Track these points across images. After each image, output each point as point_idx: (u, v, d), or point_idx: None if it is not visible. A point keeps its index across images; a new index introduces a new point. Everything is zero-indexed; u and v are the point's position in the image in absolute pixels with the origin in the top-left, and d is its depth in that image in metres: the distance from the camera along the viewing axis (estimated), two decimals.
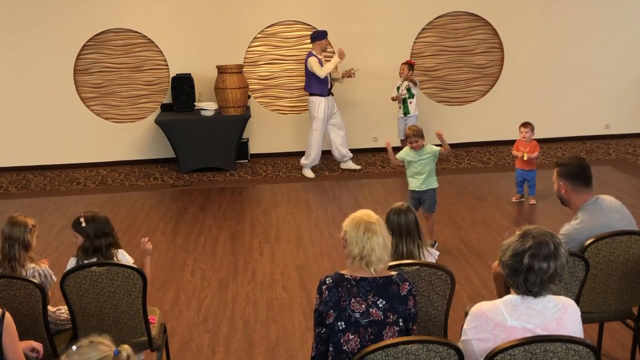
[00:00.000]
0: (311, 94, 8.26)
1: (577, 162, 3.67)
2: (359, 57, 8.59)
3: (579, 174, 3.64)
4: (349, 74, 8.31)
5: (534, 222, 6.39)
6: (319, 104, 8.19)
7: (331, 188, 7.95)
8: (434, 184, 5.68)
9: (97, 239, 3.53)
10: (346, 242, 2.77)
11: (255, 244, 6.18)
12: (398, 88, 8.44)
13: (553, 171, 3.77)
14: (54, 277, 3.67)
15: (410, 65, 8.42)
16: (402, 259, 3.40)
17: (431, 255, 3.64)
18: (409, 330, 2.75)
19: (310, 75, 8.15)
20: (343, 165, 8.72)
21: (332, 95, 8.33)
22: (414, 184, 5.67)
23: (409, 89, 8.35)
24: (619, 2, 9.55)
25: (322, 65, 8.00)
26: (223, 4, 9.03)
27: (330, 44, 8.63)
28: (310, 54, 8.13)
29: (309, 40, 8.32)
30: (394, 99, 8.46)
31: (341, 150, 8.61)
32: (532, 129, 6.89)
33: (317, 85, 8.15)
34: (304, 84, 8.47)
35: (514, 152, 7.00)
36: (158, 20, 9.01)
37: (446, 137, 5.50)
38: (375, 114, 9.23)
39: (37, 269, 3.57)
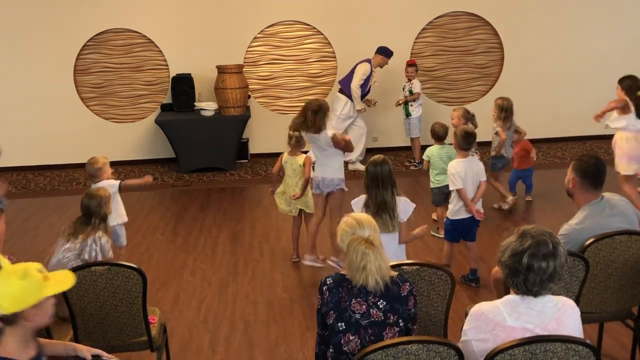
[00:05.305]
0: (342, 92, 8.36)
1: (593, 162, 3.64)
2: (358, 57, 8.56)
3: (590, 174, 3.62)
4: (369, 104, 8.53)
5: (532, 222, 6.38)
6: (344, 103, 8.33)
7: None
8: None
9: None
10: (344, 256, 2.79)
11: (255, 244, 6.18)
12: (404, 88, 8.60)
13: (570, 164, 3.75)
14: (110, 252, 4.04)
15: (415, 66, 8.56)
16: (379, 206, 3.99)
17: (402, 204, 4.08)
18: (409, 330, 2.75)
19: (353, 77, 8.24)
20: (351, 167, 8.68)
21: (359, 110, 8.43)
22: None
23: (411, 91, 8.50)
24: (619, 2, 9.55)
25: (363, 80, 8.15)
26: (223, 4, 9.02)
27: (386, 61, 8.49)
28: (367, 61, 8.26)
29: (375, 51, 8.37)
30: (397, 105, 8.69)
31: (362, 150, 8.68)
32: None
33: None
34: (340, 78, 8.56)
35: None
36: (158, 20, 9.01)
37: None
38: (375, 114, 9.22)
39: (97, 240, 3.97)
